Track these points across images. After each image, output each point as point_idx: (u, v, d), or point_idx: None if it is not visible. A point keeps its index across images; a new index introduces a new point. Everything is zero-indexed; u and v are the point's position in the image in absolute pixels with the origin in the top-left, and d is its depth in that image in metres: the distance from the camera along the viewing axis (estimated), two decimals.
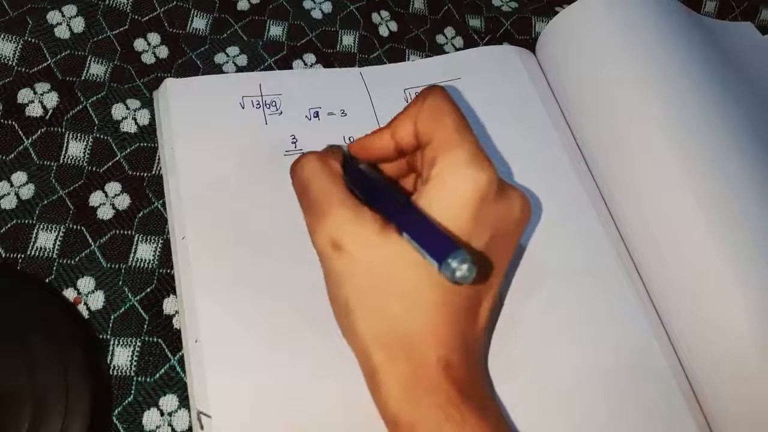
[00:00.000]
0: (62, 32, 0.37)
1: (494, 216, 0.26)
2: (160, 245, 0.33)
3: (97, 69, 0.37)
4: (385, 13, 0.44)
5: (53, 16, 0.37)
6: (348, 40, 0.42)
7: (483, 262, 0.26)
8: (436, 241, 0.23)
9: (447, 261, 0.22)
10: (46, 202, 0.33)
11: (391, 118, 0.28)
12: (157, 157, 0.35)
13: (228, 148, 0.35)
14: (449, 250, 0.22)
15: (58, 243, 0.32)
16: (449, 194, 0.25)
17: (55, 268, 0.32)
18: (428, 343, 0.25)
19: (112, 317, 0.31)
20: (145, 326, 0.31)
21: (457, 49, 0.43)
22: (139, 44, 0.39)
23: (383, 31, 0.43)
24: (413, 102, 0.28)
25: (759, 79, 0.42)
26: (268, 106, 0.37)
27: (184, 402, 0.30)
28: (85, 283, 0.31)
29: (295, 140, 0.36)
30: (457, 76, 0.40)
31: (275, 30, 0.41)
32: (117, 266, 0.32)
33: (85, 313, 0.31)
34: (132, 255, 0.33)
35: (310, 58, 0.41)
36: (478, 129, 0.38)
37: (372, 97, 0.38)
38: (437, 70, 0.40)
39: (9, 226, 0.32)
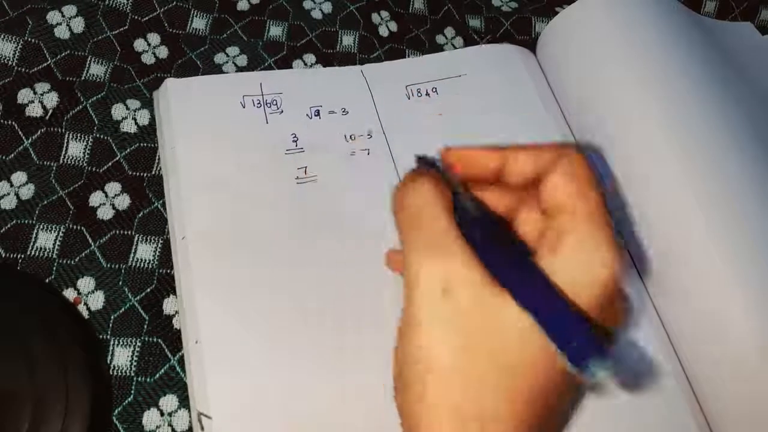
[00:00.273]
0: (62, 32, 0.37)
1: (610, 307, 0.23)
2: (160, 245, 0.33)
3: (97, 69, 0.37)
4: (385, 13, 0.44)
5: (53, 17, 0.37)
6: (348, 40, 0.42)
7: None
8: (577, 340, 0.20)
9: (589, 367, 0.20)
10: (46, 202, 0.33)
11: (507, 145, 0.26)
12: (157, 157, 0.35)
13: (229, 147, 0.35)
14: (592, 354, 0.20)
15: (58, 243, 0.32)
16: (582, 272, 0.22)
17: (55, 268, 0.32)
18: (513, 421, 0.22)
19: (112, 317, 0.31)
20: (145, 326, 0.31)
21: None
22: (139, 44, 0.39)
23: (383, 32, 0.43)
24: (545, 150, 0.25)
25: (759, 79, 0.42)
26: (268, 105, 0.37)
27: (184, 402, 0.30)
28: (85, 283, 0.31)
29: (296, 139, 0.36)
30: (458, 73, 0.40)
31: (275, 30, 0.41)
32: (117, 266, 0.32)
33: (85, 313, 0.31)
34: (132, 255, 0.33)
35: (310, 58, 0.41)
36: (478, 127, 0.38)
37: (373, 95, 0.38)
38: (439, 67, 0.40)
39: (9, 226, 0.32)
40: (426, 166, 0.26)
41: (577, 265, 0.23)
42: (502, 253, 0.23)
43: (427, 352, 0.22)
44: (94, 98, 0.36)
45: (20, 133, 0.34)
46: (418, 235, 0.24)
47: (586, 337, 0.20)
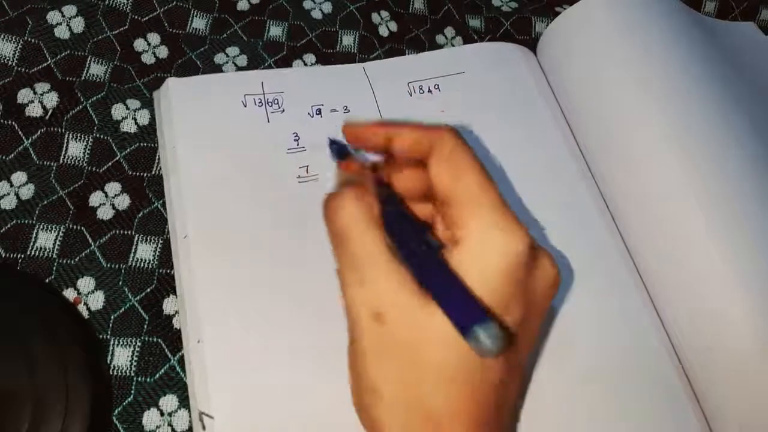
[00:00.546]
0: (62, 32, 0.37)
1: (526, 282, 0.24)
2: (160, 245, 0.33)
3: (97, 69, 0.37)
4: (385, 13, 0.44)
5: (53, 16, 0.37)
6: (348, 40, 0.42)
7: (514, 331, 0.24)
8: (462, 308, 0.22)
9: (473, 330, 0.21)
10: (46, 202, 0.33)
11: (395, 123, 0.27)
12: (157, 157, 0.35)
13: (230, 146, 0.35)
14: (476, 320, 0.21)
15: (58, 243, 0.32)
16: (480, 259, 0.23)
17: (55, 268, 0.32)
18: (459, 424, 0.23)
19: (112, 317, 0.31)
20: (145, 326, 0.31)
21: None
22: (139, 44, 0.39)
23: (383, 31, 0.43)
24: (424, 132, 0.26)
25: (760, 79, 0.42)
26: (270, 104, 0.37)
27: (184, 402, 0.30)
28: (85, 283, 0.31)
29: (297, 138, 0.36)
30: (460, 70, 0.40)
31: (275, 30, 0.41)
32: (117, 266, 0.32)
33: (85, 313, 0.31)
34: (132, 255, 0.33)
35: (310, 58, 0.41)
36: (481, 124, 0.38)
37: (375, 93, 0.38)
38: (441, 64, 0.40)
39: (9, 226, 0.32)
40: (338, 151, 0.29)
41: (477, 255, 0.23)
42: (421, 256, 0.24)
43: (369, 376, 0.23)
44: (94, 98, 0.36)
45: (20, 133, 0.34)
46: (348, 256, 0.24)
47: (470, 306, 0.22)
